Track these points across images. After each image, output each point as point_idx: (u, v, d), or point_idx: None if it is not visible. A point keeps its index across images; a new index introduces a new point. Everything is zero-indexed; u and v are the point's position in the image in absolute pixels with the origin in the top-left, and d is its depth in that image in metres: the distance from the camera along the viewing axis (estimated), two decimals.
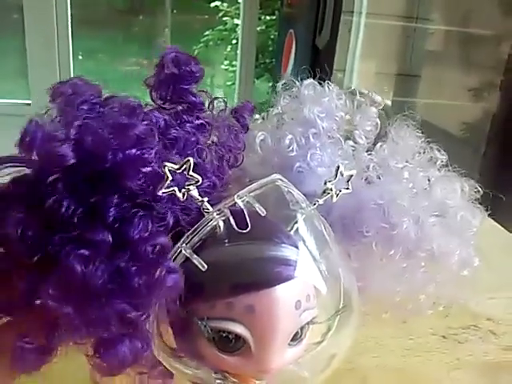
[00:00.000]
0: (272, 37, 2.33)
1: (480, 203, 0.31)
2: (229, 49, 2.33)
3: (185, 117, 0.25)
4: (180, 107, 0.25)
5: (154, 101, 0.26)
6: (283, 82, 0.32)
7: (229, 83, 2.20)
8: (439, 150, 0.31)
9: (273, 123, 0.31)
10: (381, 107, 0.32)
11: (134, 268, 0.21)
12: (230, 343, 0.23)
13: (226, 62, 2.33)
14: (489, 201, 0.32)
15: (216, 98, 0.27)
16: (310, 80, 0.32)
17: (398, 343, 0.55)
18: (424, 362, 0.52)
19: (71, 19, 1.92)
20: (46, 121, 0.22)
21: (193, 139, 0.24)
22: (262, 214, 0.22)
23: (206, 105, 0.27)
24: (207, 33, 2.31)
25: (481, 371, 0.52)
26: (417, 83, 1.71)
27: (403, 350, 0.54)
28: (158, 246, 0.21)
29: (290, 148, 0.29)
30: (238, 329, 0.22)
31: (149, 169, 0.22)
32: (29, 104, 1.95)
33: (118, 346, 0.21)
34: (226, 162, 0.26)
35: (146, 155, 0.22)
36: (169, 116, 0.25)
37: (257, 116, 0.32)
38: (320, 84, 0.32)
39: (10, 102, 1.99)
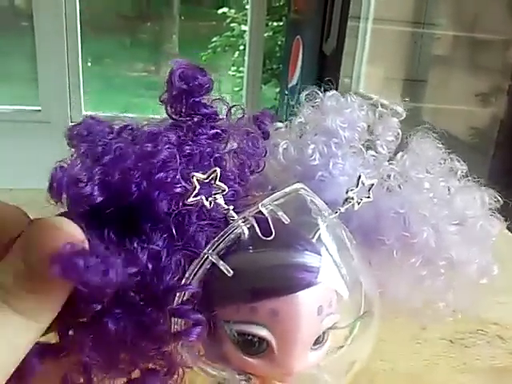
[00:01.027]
0: (279, 43, 2.34)
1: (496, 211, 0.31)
2: (236, 55, 2.34)
3: (199, 130, 0.26)
4: (195, 119, 0.26)
5: (170, 116, 0.26)
6: (307, 92, 0.32)
7: (236, 89, 2.22)
8: (459, 161, 0.32)
9: (295, 132, 0.32)
10: (402, 118, 0.33)
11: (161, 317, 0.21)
12: (253, 346, 0.23)
13: (234, 68, 2.34)
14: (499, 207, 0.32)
15: (234, 106, 0.28)
16: (333, 92, 0.32)
17: (405, 347, 0.55)
18: (431, 366, 0.53)
19: (80, 26, 1.94)
20: (69, 165, 0.23)
21: (208, 150, 0.25)
22: (286, 222, 0.23)
23: (224, 112, 0.27)
24: (215, 39, 2.33)
25: (487, 375, 0.52)
26: (424, 88, 1.71)
27: (411, 354, 0.54)
28: (187, 295, 0.22)
29: (313, 157, 0.29)
30: (262, 332, 0.22)
31: (179, 189, 0.22)
32: (39, 110, 1.97)
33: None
34: (248, 168, 0.27)
35: (172, 177, 0.22)
36: (182, 132, 0.25)
37: (280, 124, 0.32)
38: (342, 95, 0.32)
39: (20, 108, 2.01)
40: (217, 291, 0.23)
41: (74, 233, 0.19)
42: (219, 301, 0.23)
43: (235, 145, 0.26)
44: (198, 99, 0.26)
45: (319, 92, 0.32)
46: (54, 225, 0.19)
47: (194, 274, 0.23)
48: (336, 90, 0.33)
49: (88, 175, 0.22)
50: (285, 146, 0.30)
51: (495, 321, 0.60)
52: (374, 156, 0.30)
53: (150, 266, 0.21)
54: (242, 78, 2.18)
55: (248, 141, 0.27)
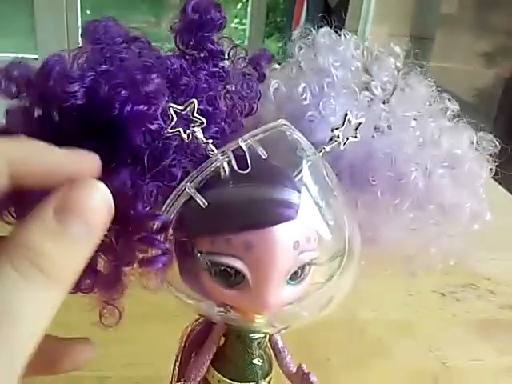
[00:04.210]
0: None
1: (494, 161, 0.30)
2: (239, 6, 2.29)
3: (202, 64, 0.25)
4: (201, 54, 0.26)
5: (177, 46, 0.26)
6: (299, 30, 0.32)
7: (238, 41, 2.17)
8: (450, 100, 0.31)
9: (288, 72, 0.31)
10: (399, 58, 0.32)
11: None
12: (230, 278, 0.24)
13: (236, 20, 2.29)
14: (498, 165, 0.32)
15: (237, 46, 0.27)
16: (326, 28, 0.31)
17: (396, 299, 0.56)
18: (421, 317, 0.54)
19: None
20: (69, 59, 0.23)
21: (204, 86, 0.25)
22: (263, 157, 0.23)
23: (227, 52, 0.27)
24: None
25: (476, 327, 0.53)
26: (430, 46, 1.68)
27: (402, 305, 0.55)
28: (158, 224, 0.22)
29: (303, 96, 0.29)
30: (237, 264, 0.23)
31: (155, 126, 0.22)
32: (36, 59, 1.94)
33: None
34: (239, 110, 0.27)
35: (151, 112, 0.22)
36: (186, 62, 0.25)
37: (276, 66, 0.31)
38: (336, 32, 0.31)
39: (18, 56, 1.98)
40: (194, 223, 0.24)
41: (109, 197, 0.19)
42: (196, 232, 0.24)
43: (229, 86, 0.26)
44: (206, 34, 0.26)
45: (312, 29, 0.31)
46: (90, 187, 0.19)
47: (171, 205, 0.23)
48: None
49: (79, 76, 0.22)
50: (276, 86, 0.29)
51: (487, 276, 0.61)
52: (368, 97, 0.29)
53: (121, 190, 0.21)
54: (244, 30, 2.14)
55: (243, 83, 0.27)
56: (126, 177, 0.22)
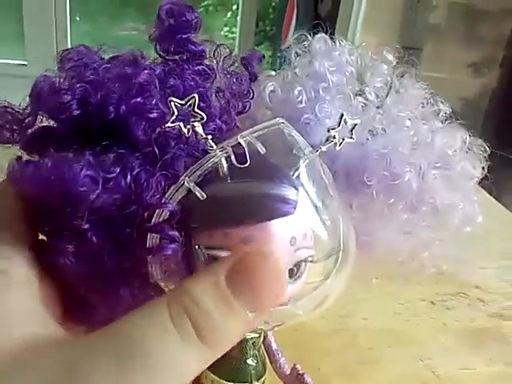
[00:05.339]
0: (273, 4, 2.29)
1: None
2: (229, 15, 2.30)
3: (185, 65, 0.26)
4: (184, 57, 0.26)
5: (158, 54, 0.26)
6: (296, 36, 0.32)
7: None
8: (443, 103, 0.31)
9: (284, 75, 0.31)
10: (392, 65, 0.32)
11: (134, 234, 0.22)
12: None
13: (226, 29, 2.30)
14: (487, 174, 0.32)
15: (221, 45, 0.28)
16: (322, 34, 0.32)
17: (387, 307, 0.56)
18: (412, 326, 0.54)
19: None
20: (56, 78, 0.23)
21: (191, 83, 0.25)
22: (262, 152, 0.23)
23: (211, 53, 0.27)
24: None
25: (466, 336, 0.53)
26: (419, 56, 1.70)
27: (392, 313, 0.55)
28: (166, 212, 0.22)
29: (299, 99, 0.29)
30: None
31: (155, 114, 0.22)
32: (25, 65, 1.92)
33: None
34: (233, 108, 0.27)
35: (149, 102, 0.22)
36: (168, 66, 0.25)
37: (272, 72, 0.32)
38: (332, 39, 0.32)
39: (6, 62, 1.96)
40: (192, 216, 0.24)
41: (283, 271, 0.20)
42: (195, 225, 0.24)
43: (219, 84, 0.27)
44: (185, 36, 0.26)
45: (308, 35, 0.32)
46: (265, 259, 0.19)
47: (170, 198, 0.23)
48: None
49: (69, 88, 0.22)
50: (271, 88, 0.30)
51: (477, 284, 0.61)
52: (362, 103, 0.30)
53: (127, 184, 0.22)
54: (234, 38, 2.15)
55: (233, 80, 0.27)
56: (134, 168, 0.22)
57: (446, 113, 0.31)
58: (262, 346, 0.30)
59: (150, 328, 0.17)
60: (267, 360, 0.30)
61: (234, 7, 2.22)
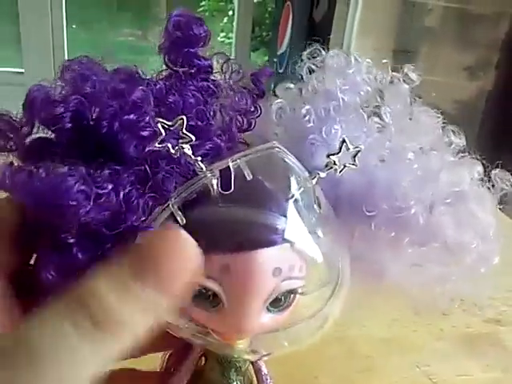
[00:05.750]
0: (269, 9, 2.29)
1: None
2: (225, 20, 2.30)
3: (189, 81, 0.25)
4: (189, 70, 0.25)
5: (166, 65, 0.26)
6: (309, 50, 0.30)
7: None
8: (455, 133, 0.30)
9: (296, 93, 0.30)
10: (414, 85, 0.31)
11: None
12: (207, 299, 0.23)
13: (223, 34, 2.30)
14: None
15: (229, 60, 0.27)
16: (337, 50, 0.30)
17: (384, 315, 0.56)
18: (409, 333, 0.54)
19: None
20: (51, 88, 0.23)
21: (191, 101, 0.24)
22: (249, 178, 0.23)
23: (220, 67, 0.27)
24: (203, 3, 2.28)
25: (463, 342, 0.54)
26: (414, 60, 1.70)
27: (390, 320, 0.55)
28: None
29: (306, 118, 0.27)
30: (213, 286, 0.23)
31: (146, 133, 0.22)
32: (21, 73, 1.92)
33: None
34: (236, 125, 0.26)
35: (142, 120, 0.22)
36: (171, 81, 0.25)
37: (291, 85, 0.30)
38: (347, 55, 0.30)
39: (3, 70, 1.96)
40: None
41: (196, 252, 0.19)
42: None
43: (225, 100, 0.26)
44: (192, 50, 0.25)
45: (322, 50, 0.30)
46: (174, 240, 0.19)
47: (155, 220, 0.22)
48: None
49: (64, 100, 0.22)
50: (279, 105, 0.28)
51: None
52: (378, 124, 0.28)
53: (119, 201, 0.21)
54: (230, 44, 2.15)
55: (239, 97, 0.26)
56: (122, 188, 0.22)
57: (458, 145, 0.29)
58: (252, 370, 0.29)
59: (48, 327, 0.17)
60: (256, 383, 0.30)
61: (230, 13, 2.23)
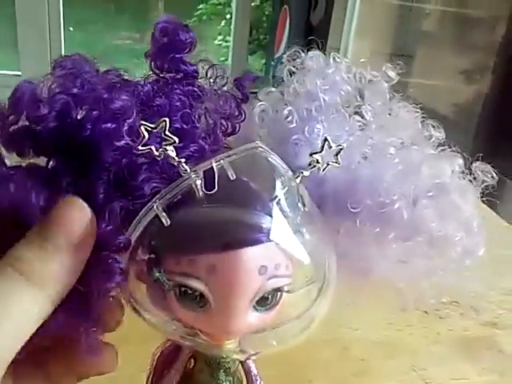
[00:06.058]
0: (267, 13, 2.30)
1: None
2: (223, 24, 2.30)
3: (175, 85, 0.26)
4: (177, 76, 0.26)
5: (153, 71, 0.26)
6: (288, 52, 0.31)
7: (222, 59, 2.18)
8: (435, 127, 0.30)
9: (277, 95, 0.31)
10: (393, 82, 0.31)
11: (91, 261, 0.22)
12: (194, 300, 0.23)
13: (220, 37, 2.30)
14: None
15: (213, 65, 0.27)
16: (316, 51, 0.31)
17: (379, 317, 0.56)
18: (404, 336, 0.54)
19: None
20: (40, 85, 0.23)
21: (177, 104, 0.25)
22: (232, 178, 0.23)
23: (205, 73, 0.27)
24: (201, 6, 2.28)
25: (459, 345, 0.53)
26: (411, 64, 1.70)
27: (385, 323, 0.55)
28: (117, 244, 0.22)
29: (289, 119, 0.28)
30: (199, 286, 0.22)
31: (122, 143, 0.22)
32: (19, 75, 1.92)
33: None
34: (220, 129, 0.27)
35: (118, 129, 0.22)
36: (158, 85, 0.25)
37: (272, 89, 0.31)
38: (325, 55, 0.31)
39: (0, 73, 1.96)
40: (160, 241, 0.23)
41: (87, 211, 0.21)
42: (162, 251, 0.23)
43: (210, 104, 0.26)
44: (177, 55, 0.26)
45: (301, 52, 0.31)
46: (70, 202, 0.21)
47: (139, 222, 0.23)
48: None
49: (50, 99, 0.22)
50: (262, 108, 0.29)
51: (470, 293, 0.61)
52: (359, 122, 0.29)
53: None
54: (228, 47, 2.15)
55: (223, 102, 0.27)
56: (91, 195, 0.22)
57: (438, 138, 0.30)
58: (242, 370, 0.29)
59: None
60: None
61: (228, 16, 2.23)
